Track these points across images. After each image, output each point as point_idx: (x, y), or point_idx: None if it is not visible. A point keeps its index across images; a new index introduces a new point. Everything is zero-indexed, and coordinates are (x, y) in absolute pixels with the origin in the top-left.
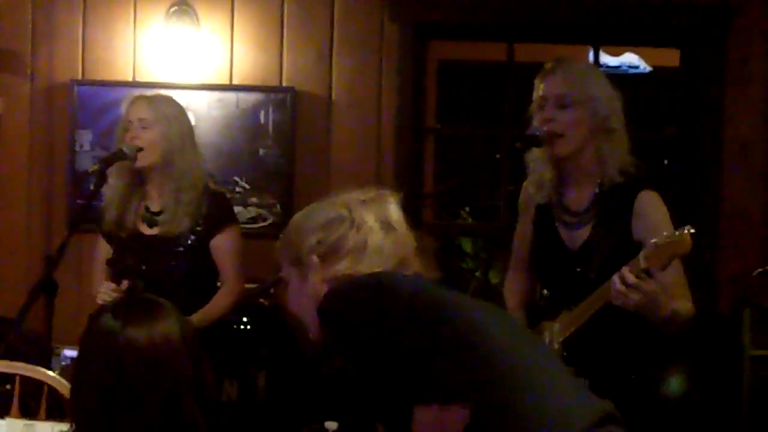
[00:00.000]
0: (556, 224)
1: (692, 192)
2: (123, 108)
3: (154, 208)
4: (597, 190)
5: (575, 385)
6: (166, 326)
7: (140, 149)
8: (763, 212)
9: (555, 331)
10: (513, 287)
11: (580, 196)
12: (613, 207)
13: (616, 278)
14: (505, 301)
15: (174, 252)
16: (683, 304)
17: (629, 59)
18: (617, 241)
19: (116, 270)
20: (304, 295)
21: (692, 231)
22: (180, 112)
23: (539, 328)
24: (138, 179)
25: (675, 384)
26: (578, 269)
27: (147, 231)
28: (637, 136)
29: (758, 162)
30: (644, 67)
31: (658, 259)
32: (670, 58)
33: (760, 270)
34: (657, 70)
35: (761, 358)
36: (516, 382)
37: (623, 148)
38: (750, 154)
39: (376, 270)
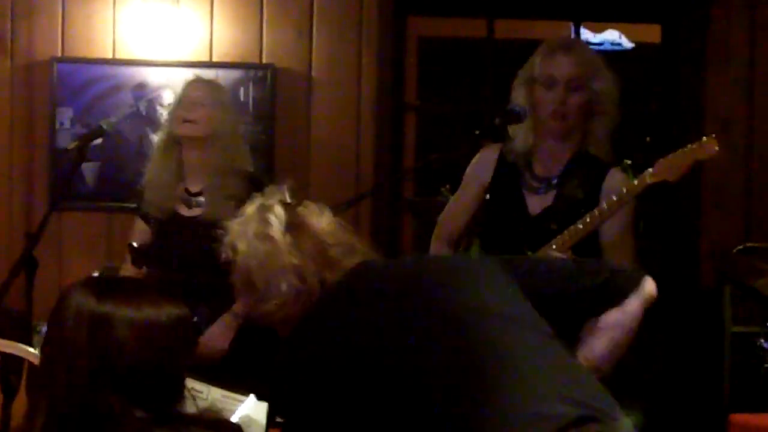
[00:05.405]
0: (523, 189)
1: None
2: (181, 87)
3: (194, 189)
4: (570, 159)
5: (553, 379)
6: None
7: (190, 121)
8: (744, 189)
9: None
10: None
11: (551, 165)
12: (583, 178)
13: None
14: None
15: (213, 235)
16: None
17: (611, 36)
18: (579, 210)
19: (136, 256)
20: None
21: (714, 136)
22: (232, 102)
23: None
24: (178, 160)
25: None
26: (536, 231)
27: (186, 212)
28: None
29: (739, 138)
30: (626, 43)
31: (674, 170)
32: (652, 34)
33: (740, 247)
34: (639, 47)
35: (742, 335)
36: (484, 384)
37: (610, 129)
38: (731, 131)
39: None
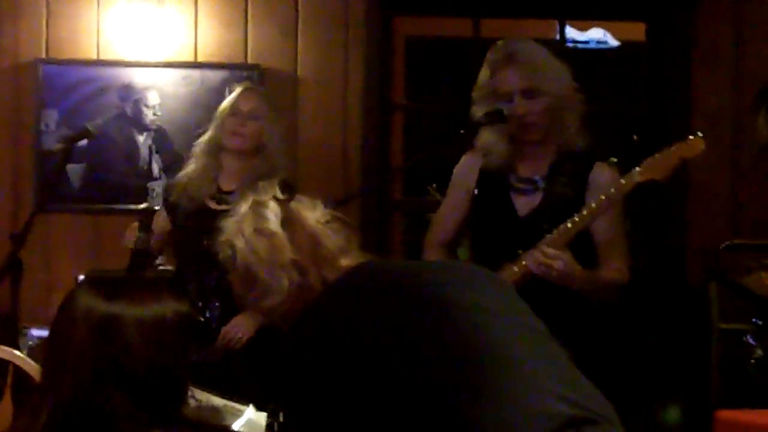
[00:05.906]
0: (509, 191)
1: None
2: (233, 96)
3: (226, 188)
4: (554, 159)
5: (550, 378)
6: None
7: (241, 135)
8: (730, 186)
9: None
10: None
11: (535, 165)
12: (569, 176)
13: (536, 252)
14: None
15: None
16: (612, 268)
17: (596, 34)
18: (569, 208)
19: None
20: None
21: (700, 134)
22: (276, 112)
23: None
24: (218, 163)
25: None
26: (527, 233)
27: (215, 206)
28: (605, 111)
29: (726, 135)
30: (611, 42)
31: (661, 169)
32: (638, 32)
33: (727, 243)
34: (624, 45)
35: (729, 332)
36: (481, 381)
37: (579, 114)
38: (718, 128)
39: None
